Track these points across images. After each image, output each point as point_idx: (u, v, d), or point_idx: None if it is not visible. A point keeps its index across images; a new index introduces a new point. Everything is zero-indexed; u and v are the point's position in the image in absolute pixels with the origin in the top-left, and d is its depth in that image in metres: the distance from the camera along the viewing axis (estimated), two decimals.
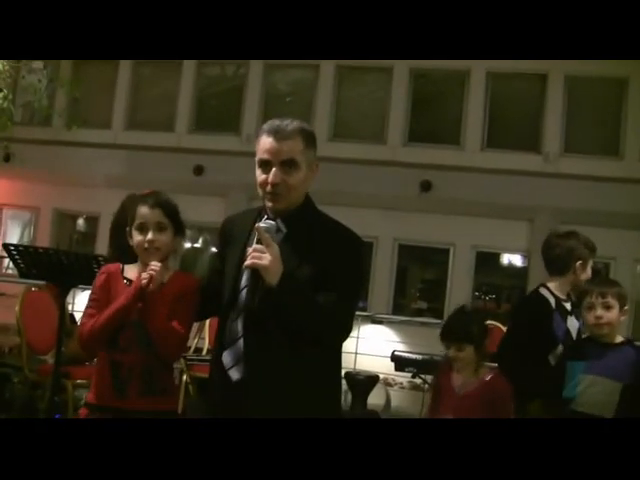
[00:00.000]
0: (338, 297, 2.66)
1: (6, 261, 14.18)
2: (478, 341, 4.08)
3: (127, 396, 2.94)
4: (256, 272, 2.64)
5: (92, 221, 14.76)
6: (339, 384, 3.01)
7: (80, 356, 5.34)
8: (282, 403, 2.67)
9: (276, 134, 2.74)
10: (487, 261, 13.77)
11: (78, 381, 5.78)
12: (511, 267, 14.06)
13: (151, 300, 2.90)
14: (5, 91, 11.78)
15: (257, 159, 2.78)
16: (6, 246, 4.77)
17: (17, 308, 6.21)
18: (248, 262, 2.62)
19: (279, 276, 2.59)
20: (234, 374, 2.73)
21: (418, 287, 14.11)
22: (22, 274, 4.94)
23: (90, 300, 3.05)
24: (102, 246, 9.79)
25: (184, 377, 6.93)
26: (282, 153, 2.72)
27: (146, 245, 2.99)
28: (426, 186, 12.95)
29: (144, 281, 2.88)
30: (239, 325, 2.75)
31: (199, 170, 13.64)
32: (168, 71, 14.11)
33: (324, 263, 2.69)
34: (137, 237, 3.01)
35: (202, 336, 7.90)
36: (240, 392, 2.70)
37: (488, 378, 4.05)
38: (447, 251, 13.47)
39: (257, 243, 2.65)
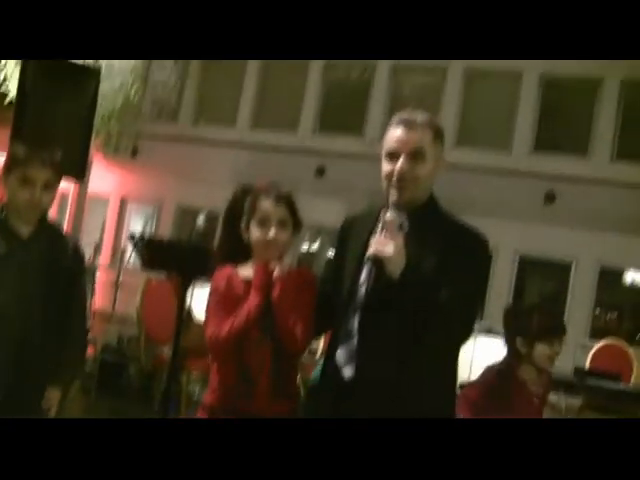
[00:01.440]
0: (461, 297, 2.57)
1: (128, 253, 14.57)
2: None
3: (255, 399, 2.85)
4: (377, 266, 2.56)
5: (212, 218, 15.00)
6: (454, 392, 2.87)
7: (196, 349, 5.36)
8: (393, 405, 2.58)
9: (405, 124, 2.71)
10: (610, 277, 13.29)
11: (193, 373, 5.82)
12: (635, 284, 13.52)
13: (277, 297, 2.83)
14: (137, 86, 12.09)
15: (384, 151, 2.74)
16: (132, 237, 4.83)
17: (138, 298, 6.31)
18: (371, 250, 2.56)
19: (401, 269, 2.53)
20: (347, 372, 2.68)
21: (536, 301, 13.72)
22: (145, 265, 4.99)
23: (214, 304, 2.94)
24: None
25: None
26: (410, 143, 2.68)
27: (267, 242, 2.89)
28: (551, 197, 12.61)
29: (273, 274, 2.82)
30: (355, 322, 2.70)
31: (321, 171, 13.67)
32: (294, 72, 14.19)
33: (449, 262, 2.61)
34: (257, 232, 2.90)
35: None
36: (351, 391, 2.65)
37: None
38: (569, 265, 13.06)
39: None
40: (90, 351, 7.36)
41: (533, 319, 3.77)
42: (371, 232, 2.69)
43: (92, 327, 7.65)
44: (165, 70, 13.40)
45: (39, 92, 5.23)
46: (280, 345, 2.83)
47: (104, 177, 14.68)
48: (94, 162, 12.67)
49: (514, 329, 3.81)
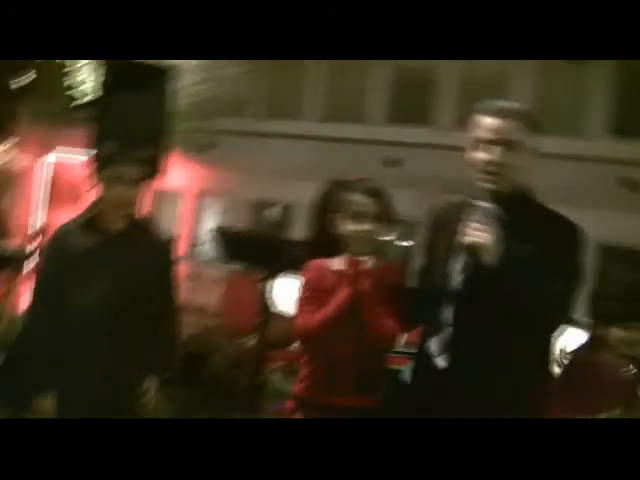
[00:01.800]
0: (557, 284, 2.54)
1: (205, 246, 14.73)
2: None
3: (339, 392, 2.87)
4: (472, 255, 2.56)
5: (286, 210, 15.07)
6: (546, 380, 2.85)
7: (277, 340, 5.42)
8: (487, 395, 2.57)
9: (501, 113, 2.68)
10: None
11: (275, 365, 5.87)
12: None
13: (364, 291, 2.84)
14: (209, 83, 12.18)
15: (475, 139, 2.72)
16: (217, 229, 4.91)
17: (221, 291, 6.40)
18: (467, 239, 2.55)
19: (497, 257, 2.51)
20: (440, 362, 2.66)
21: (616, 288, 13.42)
22: (224, 257, 5.06)
23: (304, 297, 2.99)
24: (295, 235, 9.95)
25: None
26: (507, 132, 2.66)
27: (360, 235, 2.91)
28: (631, 184, 12.33)
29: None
30: (449, 313, 2.68)
31: (392, 162, 13.61)
32: (362, 62, 14.17)
33: (545, 251, 2.57)
34: (351, 226, 2.92)
35: None
36: (445, 381, 2.63)
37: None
38: None
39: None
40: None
41: (609, 303, 3.74)
42: (463, 222, 2.67)
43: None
44: (234, 66, 13.49)
45: (118, 92, 5.33)
46: (366, 340, 2.84)
47: (179, 172, 14.88)
48: (172, 158, 12.86)
49: (592, 314, 3.81)
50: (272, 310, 7.12)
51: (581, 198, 12.25)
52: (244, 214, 15.40)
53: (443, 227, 2.86)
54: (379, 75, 14.26)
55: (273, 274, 5.00)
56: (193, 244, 15.65)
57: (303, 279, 3.02)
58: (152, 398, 3.07)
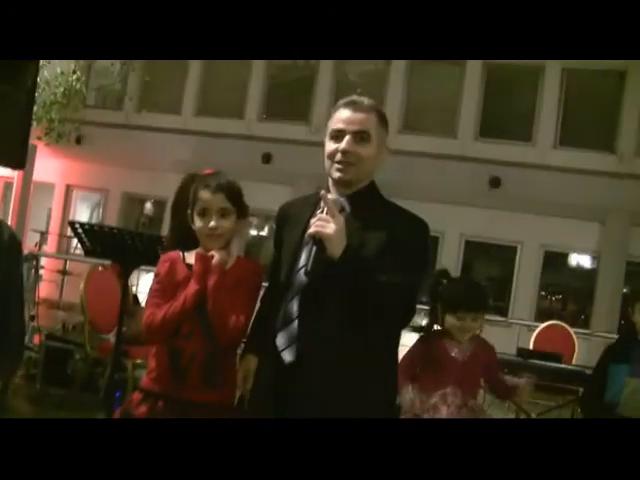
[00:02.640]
0: (403, 277, 2.57)
1: (74, 241, 14.44)
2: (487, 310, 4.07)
3: (185, 385, 2.86)
4: (318, 246, 2.56)
5: (159, 205, 14.92)
6: (395, 374, 2.90)
7: (141, 336, 5.35)
8: (335, 387, 2.59)
9: (352, 106, 2.76)
10: (555, 261, 13.55)
11: (138, 360, 5.81)
12: (579, 268, 13.80)
13: (213, 286, 2.84)
14: (79, 73, 11.97)
15: (329, 131, 2.76)
16: (72, 223, 4.79)
17: (81, 286, 6.28)
18: (312, 230, 2.56)
19: (342, 248, 2.54)
20: (287, 356, 2.65)
21: (484, 284, 13.91)
22: (87, 252, 4.96)
23: (154, 290, 2.95)
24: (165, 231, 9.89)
25: None
26: (356, 123, 2.72)
27: (208, 232, 2.90)
28: (495, 182, 12.79)
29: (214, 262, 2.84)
30: (294, 306, 2.68)
31: (267, 158, 13.69)
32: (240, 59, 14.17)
33: (389, 244, 2.63)
34: (199, 223, 2.90)
35: None
36: (293, 374, 2.63)
37: (477, 343, 3.96)
38: (514, 249, 13.27)
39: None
40: (36, 339, 7.30)
41: (447, 290, 3.94)
42: (311, 215, 2.70)
43: (38, 315, 7.59)
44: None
45: None
46: (213, 335, 2.85)
47: (49, 165, 14.51)
48: (38, 149, 12.54)
49: (433, 299, 4.01)
50: (136, 305, 7.06)
51: (450, 196, 12.66)
52: (116, 208, 15.18)
53: (291, 221, 2.89)
54: (257, 70, 14.30)
55: (135, 269, 4.93)
56: (62, 239, 15.31)
57: (156, 271, 3.01)
58: None
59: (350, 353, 2.60)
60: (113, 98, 14.50)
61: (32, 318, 7.29)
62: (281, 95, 14.44)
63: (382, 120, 2.81)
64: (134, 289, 8.58)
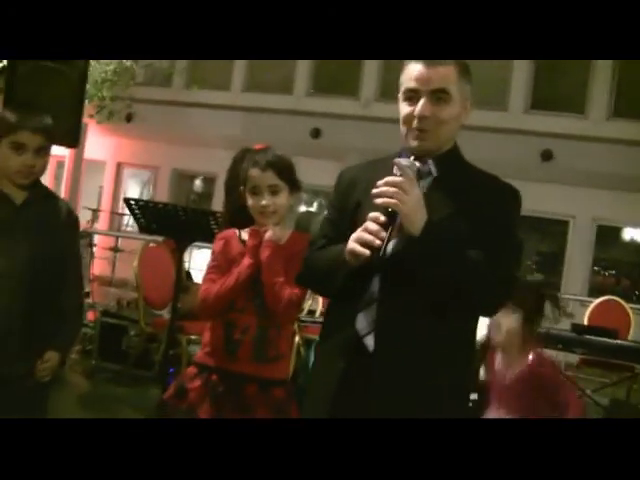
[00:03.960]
0: (499, 255, 2.24)
1: (126, 218, 14.60)
2: (530, 308, 3.55)
3: (238, 359, 2.87)
4: (392, 220, 2.17)
5: (209, 181, 15.00)
6: (472, 362, 2.70)
7: (195, 312, 5.39)
8: (416, 380, 2.28)
9: (426, 60, 2.34)
10: (608, 235, 13.35)
11: (192, 336, 5.86)
12: (633, 242, 13.58)
13: (266, 260, 2.84)
14: None
15: (402, 90, 2.37)
16: (127, 200, 4.84)
17: (135, 263, 6.34)
18: (380, 200, 2.16)
19: (422, 224, 2.18)
20: (369, 341, 2.29)
21: (534, 259, 13.78)
22: (141, 229, 5.01)
23: (210, 267, 2.97)
24: (218, 206, 9.96)
25: (296, 338, 6.92)
26: (433, 81, 2.31)
27: (261, 209, 2.90)
28: (547, 155, 12.60)
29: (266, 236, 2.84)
30: (375, 285, 2.31)
31: (316, 133, 13.65)
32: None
33: (483, 215, 2.26)
34: (251, 201, 2.90)
35: (315, 297, 7.85)
36: (370, 363, 2.28)
37: (532, 358, 3.50)
38: (566, 223, 13.10)
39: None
40: (91, 315, 7.41)
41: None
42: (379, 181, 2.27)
43: (92, 292, 7.70)
44: None
45: (30, 59, 5.18)
46: (267, 309, 2.85)
47: (100, 143, 14.66)
48: (89, 128, 12.65)
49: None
50: (189, 281, 7.11)
51: (500, 168, 12.52)
52: (166, 185, 15.29)
53: (365, 186, 2.39)
54: None
55: (189, 245, 4.97)
56: (114, 216, 15.48)
57: (213, 249, 3.03)
58: (49, 369, 3.02)
59: (433, 342, 2.27)
60: (162, 75, 14.55)
61: (87, 295, 7.39)
62: (329, 69, 14.35)
63: (463, 71, 2.41)
64: (187, 265, 8.64)
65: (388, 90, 13.21)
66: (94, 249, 11.07)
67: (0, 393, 2.94)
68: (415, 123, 2.31)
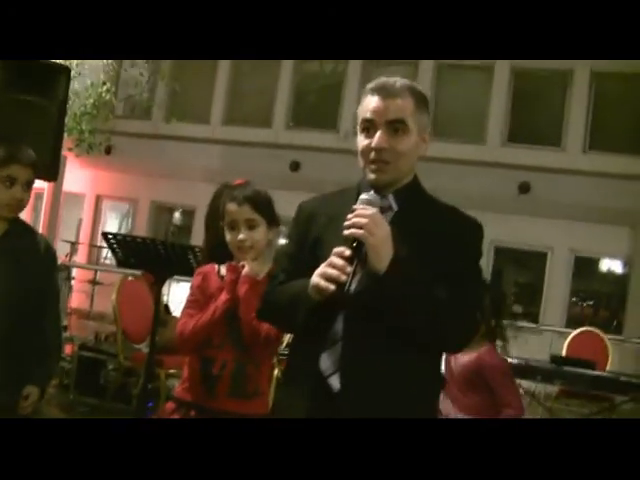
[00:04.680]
0: (464, 291, 2.21)
1: (104, 251, 14.53)
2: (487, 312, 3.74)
3: (216, 395, 2.86)
4: (359, 256, 2.11)
5: (188, 214, 14.98)
6: (438, 392, 2.70)
7: (173, 346, 5.36)
8: (379, 412, 2.20)
9: (382, 91, 2.28)
10: (585, 266, 13.44)
11: (171, 370, 5.83)
12: (610, 273, 13.68)
13: (244, 295, 2.84)
14: (108, 84, 12.05)
15: (359, 122, 2.32)
16: (105, 235, 4.82)
17: (113, 296, 6.31)
18: (349, 231, 2.10)
19: (388, 260, 2.11)
20: (334, 382, 2.22)
21: (513, 291, 13.83)
22: (119, 263, 4.98)
23: (188, 301, 2.96)
24: (197, 239, 9.95)
25: (275, 371, 6.89)
26: (389, 112, 2.25)
27: (238, 244, 2.90)
28: (525, 188, 12.71)
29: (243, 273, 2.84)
30: (339, 324, 2.23)
31: (296, 166, 13.70)
32: (267, 66, 14.18)
33: (446, 251, 2.22)
34: (228, 236, 2.90)
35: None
36: (338, 403, 2.22)
37: (481, 352, 3.71)
38: (544, 255, 13.18)
39: None
40: (68, 349, 7.35)
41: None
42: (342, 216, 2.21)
43: (70, 325, 7.65)
44: (137, 67, 13.31)
45: (8, 91, 5.18)
46: (244, 345, 2.85)
47: (79, 175, 14.62)
48: (68, 160, 12.61)
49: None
50: (168, 315, 7.08)
51: (479, 202, 12.60)
52: (145, 218, 15.25)
53: (324, 219, 2.37)
54: (284, 79, 14.32)
55: (167, 279, 4.95)
56: (92, 249, 15.41)
57: (191, 283, 3.03)
58: (30, 404, 3.00)
59: (398, 380, 2.22)
60: (141, 108, 14.58)
61: (65, 328, 7.34)
62: (308, 103, 14.46)
63: (420, 102, 2.34)
64: (166, 298, 8.61)
65: None
66: (72, 282, 11.02)
67: None
68: (372, 155, 2.26)
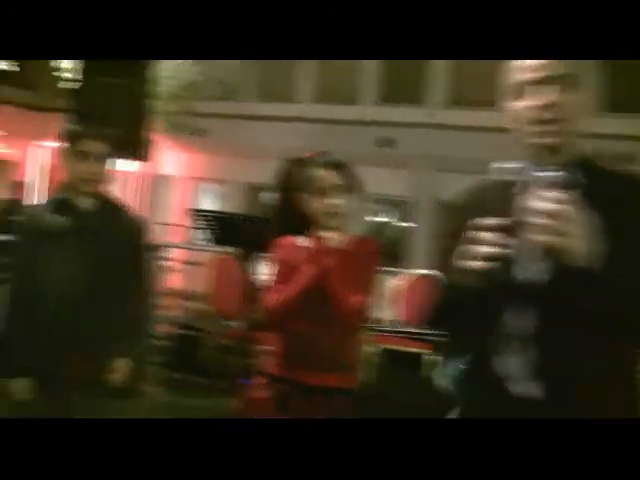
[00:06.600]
0: None
1: (195, 232, 14.72)
2: None
3: (306, 369, 2.83)
4: (550, 252, 1.78)
5: None
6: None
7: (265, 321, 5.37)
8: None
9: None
10: None
11: (265, 346, 5.83)
12: None
13: (329, 266, 2.77)
14: (194, 64, 12.09)
15: (515, 85, 1.99)
16: (193, 211, 4.86)
17: (206, 275, 6.37)
18: (542, 238, 1.72)
19: (585, 250, 1.75)
20: (532, 389, 1.92)
21: None
22: (208, 239, 5.02)
23: (272, 275, 2.96)
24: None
25: (372, 348, 6.87)
26: (560, 66, 1.93)
27: (325, 210, 2.84)
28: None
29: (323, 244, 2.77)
30: (519, 321, 1.92)
31: (383, 142, 13.56)
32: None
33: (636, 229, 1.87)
34: (314, 203, 2.85)
35: (389, 308, 7.77)
36: (531, 411, 1.92)
37: None
38: None
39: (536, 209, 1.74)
40: (164, 328, 7.47)
41: None
42: (518, 205, 1.83)
43: (167, 304, 7.75)
44: None
45: (95, 74, 5.28)
46: (333, 317, 2.79)
47: (170, 158, 14.85)
48: (161, 143, 12.78)
49: None
50: (260, 291, 7.10)
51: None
52: (239, 199, 15.37)
53: (486, 211, 1.86)
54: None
55: (255, 254, 4.95)
56: (187, 230, 15.65)
57: (273, 257, 2.98)
58: (119, 377, 3.05)
59: (603, 384, 1.92)
60: (232, 89, 14.66)
61: (161, 307, 7.45)
62: (396, 77, 14.26)
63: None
64: (258, 275, 8.64)
65: (457, 96, 13.10)
66: (168, 263, 11.16)
67: (69, 399, 2.98)
68: (545, 114, 1.91)
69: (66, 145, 3.05)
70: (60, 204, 3.07)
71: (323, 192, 2.83)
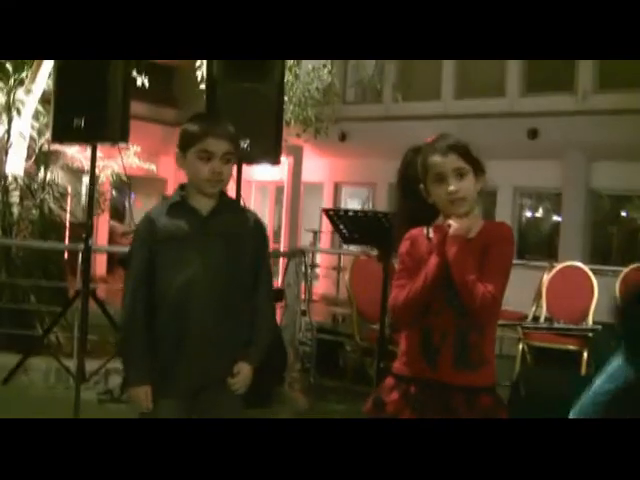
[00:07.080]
0: None
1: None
2: None
3: (438, 368, 2.63)
4: None
5: None
6: None
7: None
8: None
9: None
10: None
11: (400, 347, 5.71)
12: None
13: (454, 256, 2.58)
14: (329, 66, 12.03)
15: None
16: (326, 211, 4.77)
17: (347, 277, 6.31)
18: None
19: None
20: None
21: None
22: (344, 239, 4.93)
23: (398, 271, 2.77)
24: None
25: (520, 345, 6.65)
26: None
27: (449, 196, 2.65)
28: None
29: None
30: None
31: (533, 133, 13.13)
32: None
33: None
34: (437, 190, 2.67)
35: (540, 304, 7.52)
36: None
37: None
38: None
39: None
40: (310, 334, 7.47)
41: None
42: None
43: (311, 311, 7.74)
44: None
45: (229, 79, 5.32)
46: (465, 311, 2.60)
47: (316, 164, 14.96)
48: (305, 150, 12.88)
49: None
50: None
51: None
52: (386, 201, 15.29)
53: None
54: None
55: (392, 252, 4.79)
56: (334, 235, 15.72)
57: (399, 251, 2.83)
58: (241, 381, 2.97)
59: None
60: (372, 91, 14.62)
61: (304, 313, 7.45)
62: (541, 65, 13.80)
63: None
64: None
65: (607, 80, 12.50)
66: (317, 270, 11.20)
67: (194, 401, 2.94)
68: None
69: (189, 145, 3.00)
70: (180, 207, 3.02)
71: (443, 178, 2.65)
